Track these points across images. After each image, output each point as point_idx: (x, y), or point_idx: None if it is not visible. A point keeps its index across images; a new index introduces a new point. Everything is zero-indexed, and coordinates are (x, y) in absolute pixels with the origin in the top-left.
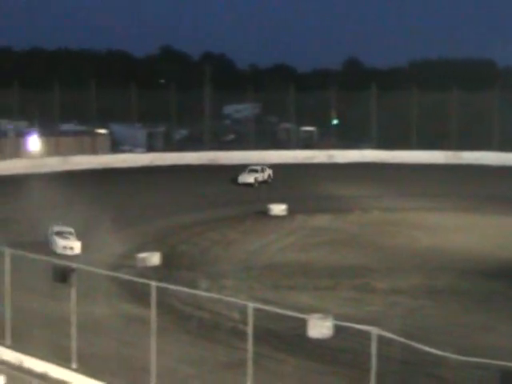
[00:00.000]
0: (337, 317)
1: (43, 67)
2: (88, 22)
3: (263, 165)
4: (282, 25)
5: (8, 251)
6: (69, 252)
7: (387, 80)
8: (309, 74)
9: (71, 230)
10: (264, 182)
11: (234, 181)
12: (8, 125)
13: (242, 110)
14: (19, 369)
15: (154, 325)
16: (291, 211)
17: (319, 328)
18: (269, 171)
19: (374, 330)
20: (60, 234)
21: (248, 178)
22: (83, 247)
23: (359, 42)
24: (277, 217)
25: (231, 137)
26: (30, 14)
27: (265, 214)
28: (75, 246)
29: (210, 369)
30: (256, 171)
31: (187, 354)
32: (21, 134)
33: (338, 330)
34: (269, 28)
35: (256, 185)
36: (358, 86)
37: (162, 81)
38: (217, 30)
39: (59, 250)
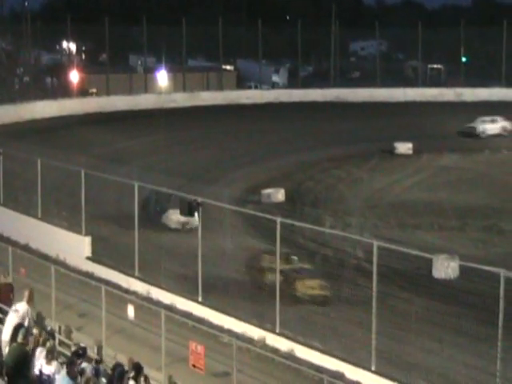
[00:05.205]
0: (463, 257)
1: (171, 2)
2: None
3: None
4: None
5: (137, 185)
6: None
7: None
8: (437, 10)
9: None
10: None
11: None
12: (137, 61)
13: (367, 46)
14: (147, 299)
15: (278, 261)
16: (417, 150)
17: (445, 268)
18: (504, 123)
19: (503, 272)
20: None
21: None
22: (209, 183)
23: None
24: (403, 155)
25: (357, 74)
26: None
27: (390, 152)
28: None
29: (334, 305)
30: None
31: None
32: (149, 70)
33: (463, 271)
34: None
35: (482, 136)
36: (489, 22)
37: (288, 17)
38: None
39: None
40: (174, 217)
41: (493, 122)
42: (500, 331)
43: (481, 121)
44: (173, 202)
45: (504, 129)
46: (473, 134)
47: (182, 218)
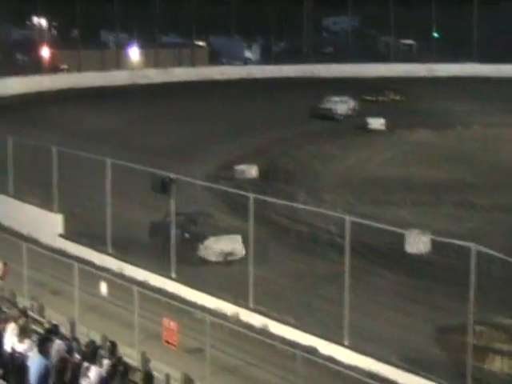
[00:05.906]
0: (435, 232)
1: None
2: None
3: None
4: None
5: (109, 161)
6: None
7: None
8: None
9: None
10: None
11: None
12: (109, 37)
13: (339, 22)
14: (120, 276)
15: (251, 236)
16: (390, 126)
17: (417, 243)
18: (351, 103)
19: (473, 246)
20: None
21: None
22: (184, 160)
23: None
24: (376, 131)
25: (329, 49)
26: None
27: (363, 128)
28: None
29: (307, 281)
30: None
31: (285, 266)
32: (121, 46)
33: (435, 245)
34: None
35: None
36: None
37: None
38: None
39: None
40: (216, 246)
41: (343, 102)
42: (471, 305)
43: (334, 102)
44: (208, 226)
45: (351, 109)
46: (330, 116)
47: (225, 247)
